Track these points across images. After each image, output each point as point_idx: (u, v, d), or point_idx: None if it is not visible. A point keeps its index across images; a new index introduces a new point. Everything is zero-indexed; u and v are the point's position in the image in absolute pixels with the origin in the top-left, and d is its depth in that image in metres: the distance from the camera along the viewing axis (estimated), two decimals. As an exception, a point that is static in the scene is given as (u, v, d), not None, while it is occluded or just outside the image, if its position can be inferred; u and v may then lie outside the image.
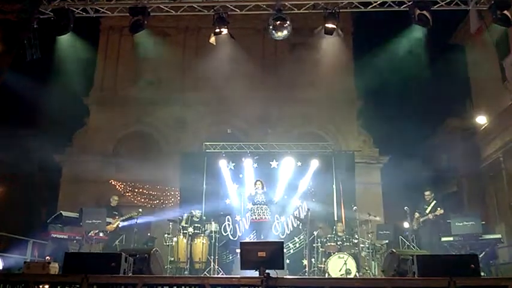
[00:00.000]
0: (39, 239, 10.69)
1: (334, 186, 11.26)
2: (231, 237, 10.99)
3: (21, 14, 8.16)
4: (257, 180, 10.19)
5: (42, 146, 15.21)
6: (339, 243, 9.32)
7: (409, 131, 16.63)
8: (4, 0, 7.76)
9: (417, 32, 9.11)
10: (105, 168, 16.49)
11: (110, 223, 9.83)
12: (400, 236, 10.23)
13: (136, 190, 16.29)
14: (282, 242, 6.62)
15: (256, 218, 9.76)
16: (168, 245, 9.64)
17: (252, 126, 16.89)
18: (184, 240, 9.53)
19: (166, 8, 8.83)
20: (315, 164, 11.39)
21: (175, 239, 9.62)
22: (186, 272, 9.19)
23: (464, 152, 17.49)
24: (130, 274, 5.95)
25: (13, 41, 8.29)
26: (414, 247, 9.59)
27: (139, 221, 9.94)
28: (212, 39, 8.94)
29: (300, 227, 10.97)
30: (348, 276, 8.27)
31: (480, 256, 8.14)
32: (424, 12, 8.16)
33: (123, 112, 17.06)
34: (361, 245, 9.42)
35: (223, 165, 11.37)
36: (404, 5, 8.55)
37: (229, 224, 11.10)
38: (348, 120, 17.87)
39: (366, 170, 16.43)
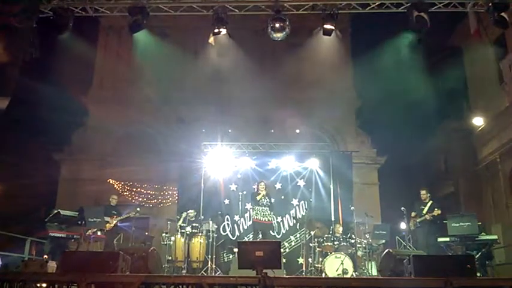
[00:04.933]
0: (37, 238, 10.71)
1: (331, 186, 11.31)
2: (230, 237, 11.03)
3: (22, 15, 8.16)
4: (261, 181, 10.11)
5: (41, 144, 15.21)
6: (336, 243, 9.35)
7: (407, 132, 16.69)
8: (3, 1, 7.77)
9: (415, 33, 9.13)
10: (103, 167, 16.52)
11: (107, 222, 9.85)
12: (397, 237, 10.27)
13: (134, 189, 16.30)
14: (279, 241, 6.65)
15: (259, 219, 9.71)
16: (166, 244, 9.65)
17: (251, 126, 16.90)
18: (182, 240, 9.55)
19: (165, 8, 8.84)
20: (313, 164, 11.46)
21: (173, 238, 9.64)
22: (183, 271, 9.19)
23: (461, 153, 17.58)
24: (127, 273, 5.98)
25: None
26: (410, 247, 9.62)
27: (137, 219, 9.96)
28: (211, 40, 8.97)
29: (298, 227, 11.02)
30: (345, 276, 8.31)
31: (476, 256, 8.19)
32: (422, 14, 8.20)
33: (121, 111, 17.03)
34: (358, 245, 9.43)
35: (222, 165, 11.40)
36: (402, 7, 8.59)
37: (228, 224, 11.14)
38: (347, 120, 17.92)
39: (363, 170, 16.48)
